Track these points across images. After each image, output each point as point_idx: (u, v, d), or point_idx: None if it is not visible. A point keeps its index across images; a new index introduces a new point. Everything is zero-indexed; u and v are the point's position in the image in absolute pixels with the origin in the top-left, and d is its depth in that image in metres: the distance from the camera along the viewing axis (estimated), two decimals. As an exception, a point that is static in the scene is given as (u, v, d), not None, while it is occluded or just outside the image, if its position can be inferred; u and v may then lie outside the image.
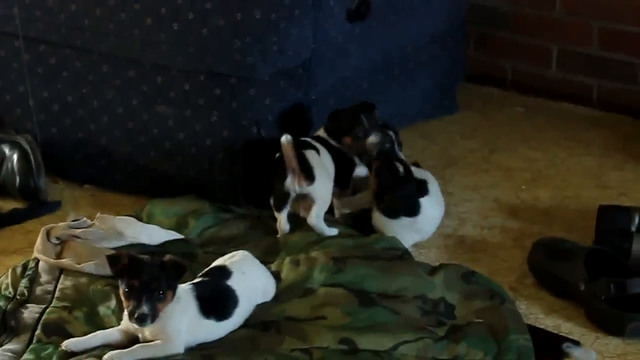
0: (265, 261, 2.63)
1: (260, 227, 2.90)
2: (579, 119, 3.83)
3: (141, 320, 2.23)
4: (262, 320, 2.41)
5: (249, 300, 2.43)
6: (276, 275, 2.59)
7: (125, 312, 2.29)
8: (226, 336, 2.36)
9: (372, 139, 2.92)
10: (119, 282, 2.27)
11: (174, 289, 2.27)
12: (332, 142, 2.93)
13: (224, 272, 2.44)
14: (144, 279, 2.23)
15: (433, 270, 2.65)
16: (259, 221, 2.92)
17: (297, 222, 2.83)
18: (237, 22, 2.88)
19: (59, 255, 2.65)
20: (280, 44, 2.90)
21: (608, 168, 3.41)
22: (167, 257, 2.30)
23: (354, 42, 3.20)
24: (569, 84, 3.96)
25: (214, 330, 2.35)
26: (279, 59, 2.92)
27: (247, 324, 2.40)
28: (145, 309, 2.22)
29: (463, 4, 3.79)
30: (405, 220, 2.84)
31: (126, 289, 2.24)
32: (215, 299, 2.36)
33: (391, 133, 3.03)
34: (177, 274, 2.28)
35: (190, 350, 2.30)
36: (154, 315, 2.23)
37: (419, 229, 2.88)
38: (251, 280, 2.47)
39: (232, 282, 2.41)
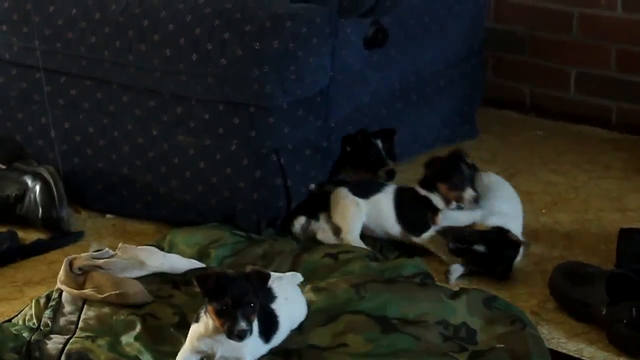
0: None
1: (282, 252, 2.90)
2: (599, 142, 3.82)
3: (242, 336, 2.23)
4: (284, 348, 2.41)
5: (288, 325, 2.46)
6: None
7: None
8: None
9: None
10: (207, 301, 2.26)
11: (260, 298, 2.28)
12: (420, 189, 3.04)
13: (269, 295, 2.44)
14: (236, 295, 2.23)
15: (454, 295, 2.64)
16: (279, 247, 2.93)
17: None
18: (255, 51, 2.90)
19: (81, 286, 2.65)
20: (298, 73, 2.92)
21: (628, 190, 3.41)
22: (249, 267, 2.30)
23: (371, 69, 3.21)
24: (588, 106, 3.96)
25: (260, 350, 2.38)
26: (297, 87, 2.94)
27: (270, 351, 2.40)
28: (243, 325, 2.22)
29: (480, 29, 3.79)
30: None
31: (219, 308, 2.23)
32: (262, 321, 2.37)
33: (378, 142, 3.18)
34: (262, 283, 2.29)
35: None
36: (251, 329, 2.24)
37: None
38: (292, 306, 2.49)
39: (275, 307, 2.43)
